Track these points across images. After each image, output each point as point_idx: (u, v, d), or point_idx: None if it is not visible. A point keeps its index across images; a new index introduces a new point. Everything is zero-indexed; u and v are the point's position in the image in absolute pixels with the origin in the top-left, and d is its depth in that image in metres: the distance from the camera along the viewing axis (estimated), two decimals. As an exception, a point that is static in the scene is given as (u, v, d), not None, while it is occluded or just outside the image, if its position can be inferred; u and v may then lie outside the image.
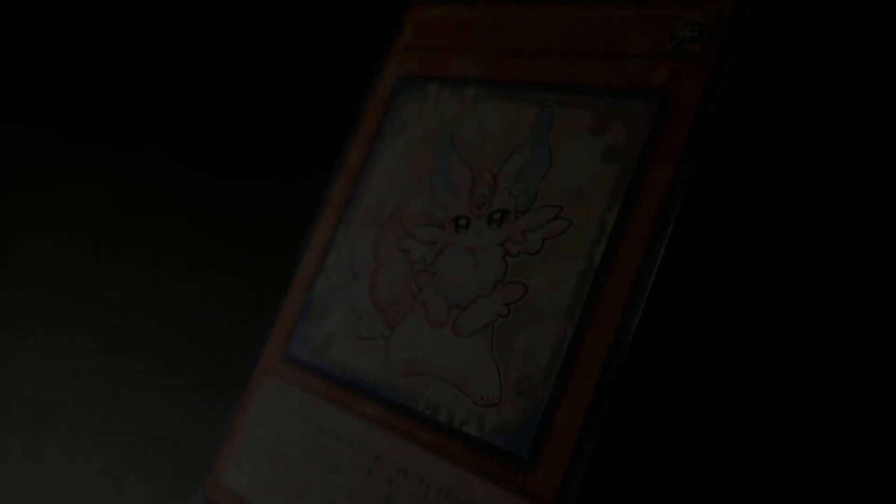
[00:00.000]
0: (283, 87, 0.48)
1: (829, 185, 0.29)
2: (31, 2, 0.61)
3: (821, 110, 0.29)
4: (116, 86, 0.54)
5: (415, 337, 0.30)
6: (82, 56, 0.57)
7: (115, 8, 0.58)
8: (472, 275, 0.29)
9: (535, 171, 0.29)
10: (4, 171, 0.51)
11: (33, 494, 0.37)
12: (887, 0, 0.28)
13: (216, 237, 0.45)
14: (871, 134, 0.29)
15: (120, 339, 0.42)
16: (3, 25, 0.60)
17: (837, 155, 0.29)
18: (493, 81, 0.32)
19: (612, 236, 0.26)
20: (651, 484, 0.26)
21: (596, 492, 0.24)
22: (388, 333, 0.30)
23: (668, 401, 0.26)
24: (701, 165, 0.25)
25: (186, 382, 0.40)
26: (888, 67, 0.29)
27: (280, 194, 0.44)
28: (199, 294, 0.43)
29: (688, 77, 0.27)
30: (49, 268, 0.45)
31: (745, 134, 0.27)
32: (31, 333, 0.43)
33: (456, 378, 0.28)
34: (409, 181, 0.33)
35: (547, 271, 0.27)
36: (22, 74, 0.57)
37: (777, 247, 0.29)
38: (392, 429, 0.29)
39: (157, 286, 0.44)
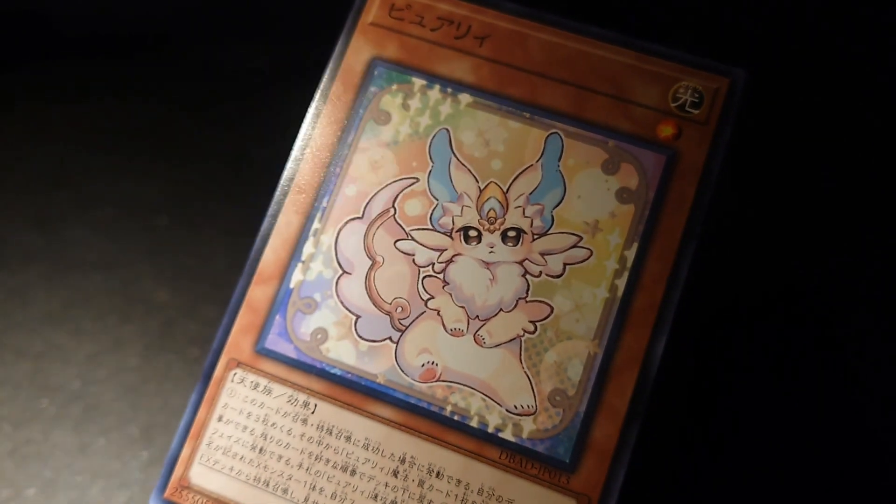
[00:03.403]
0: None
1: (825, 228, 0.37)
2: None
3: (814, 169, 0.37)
4: (170, 85, 0.51)
5: (431, 343, 0.31)
6: (137, 55, 0.53)
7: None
8: (490, 288, 0.31)
9: (550, 197, 0.32)
10: (55, 167, 0.48)
11: (80, 488, 0.38)
12: (868, 74, 0.37)
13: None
14: (859, 180, 0.38)
15: (167, 336, 0.42)
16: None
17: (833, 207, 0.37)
18: (490, 92, 0.33)
19: (632, 271, 0.31)
20: (683, 485, 0.33)
21: (635, 491, 0.29)
22: (397, 337, 0.31)
23: (697, 413, 0.32)
24: (710, 215, 0.31)
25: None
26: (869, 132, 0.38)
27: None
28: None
29: (692, 139, 0.32)
30: (98, 264, 0.45)
31: (749, 187, 0.33)
32: (80, 329, 0.42)
33: (483, 387, 0.30)
34: (401, 178, 0.33)
35: (571, 295, 0.31)
36: (73, 68, 0.53)
37: (782, 283, 0.36)
38: (414, 432, 0.30)
39: (204, 284, 0.44)
